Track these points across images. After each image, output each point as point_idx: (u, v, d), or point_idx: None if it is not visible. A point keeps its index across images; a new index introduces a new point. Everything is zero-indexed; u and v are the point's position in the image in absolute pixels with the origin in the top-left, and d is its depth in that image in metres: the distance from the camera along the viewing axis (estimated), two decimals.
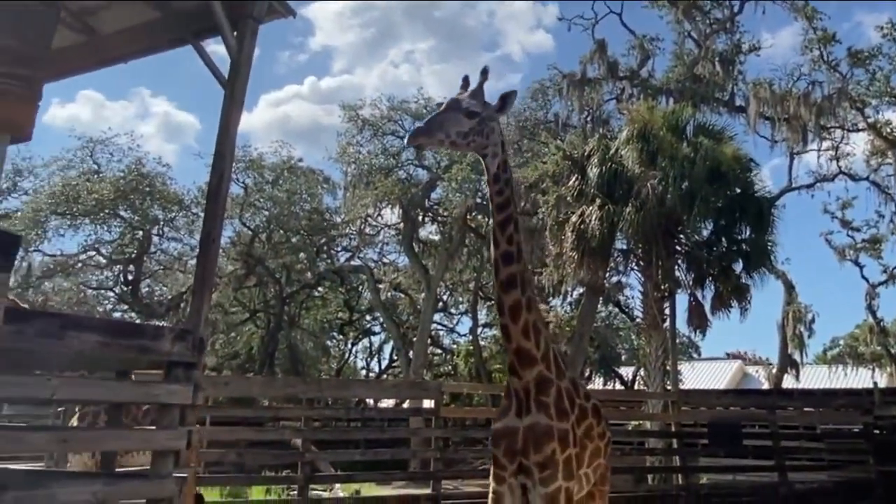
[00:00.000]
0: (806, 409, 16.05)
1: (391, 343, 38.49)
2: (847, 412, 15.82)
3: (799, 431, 16.77)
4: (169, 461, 4.06)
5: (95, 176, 30.35)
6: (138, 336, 4.19)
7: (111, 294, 33.76)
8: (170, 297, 32.57)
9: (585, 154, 18.87)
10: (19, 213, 27.47)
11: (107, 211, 29.96)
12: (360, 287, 37.33)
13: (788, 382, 29.01)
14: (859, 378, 31.14)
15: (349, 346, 44.11)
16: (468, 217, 28.46)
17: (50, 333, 3.70)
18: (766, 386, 30.66)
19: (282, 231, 33.35)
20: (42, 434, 4.64)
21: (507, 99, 4.20)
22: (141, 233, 31.33)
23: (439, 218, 30.30)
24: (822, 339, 52.46)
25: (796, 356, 29.34)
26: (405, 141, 4.84)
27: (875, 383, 19.27)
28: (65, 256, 31.13)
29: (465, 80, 4.33)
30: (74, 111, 51.44)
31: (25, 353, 3.68)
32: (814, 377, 34.04)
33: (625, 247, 19.09)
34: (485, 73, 4.28)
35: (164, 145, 65.81)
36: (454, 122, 4.00)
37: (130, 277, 32.18)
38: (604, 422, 4.70)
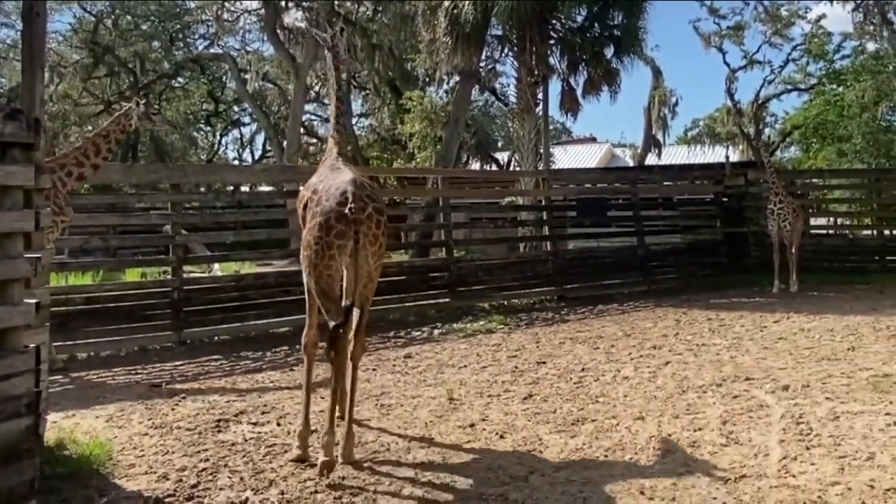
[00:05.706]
0: (665, 182, 17.29)
1: (263, 134, 37.40)
2: (701, 184, 17.39)
3: (658, 202, 18.12)
4: (18, 242, 3.84)
5: None
6: None
7: None
8: (9, 87, 29.84)
9: None
10: None
11: None
12: (224, 77, 35.34)
13: (651, 161, 30.76)
14: (715, 155, 33.46)
15: (218, 137, 42.62)
16: (336, 2, 26.74)
17: None
18: (631, 165, 32.37)
19: (129, 17, 30.51)
20: None
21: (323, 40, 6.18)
22: None
23: (304, 3, 28.30)
24: (684, 121, 55.67)
25: (660, 137, 31.04)
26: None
27: (727, 158, 20.81)
28: None
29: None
30: None
31: None
32: (675, 155, 36.22)
33: (500, 33, 18.71)
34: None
35: None
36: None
37: None
38: None
